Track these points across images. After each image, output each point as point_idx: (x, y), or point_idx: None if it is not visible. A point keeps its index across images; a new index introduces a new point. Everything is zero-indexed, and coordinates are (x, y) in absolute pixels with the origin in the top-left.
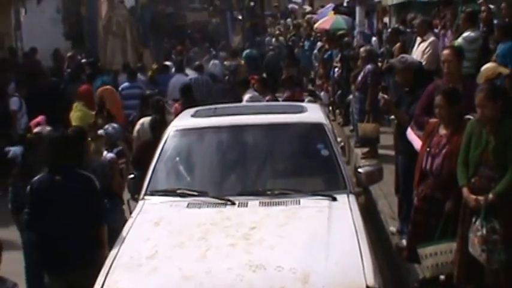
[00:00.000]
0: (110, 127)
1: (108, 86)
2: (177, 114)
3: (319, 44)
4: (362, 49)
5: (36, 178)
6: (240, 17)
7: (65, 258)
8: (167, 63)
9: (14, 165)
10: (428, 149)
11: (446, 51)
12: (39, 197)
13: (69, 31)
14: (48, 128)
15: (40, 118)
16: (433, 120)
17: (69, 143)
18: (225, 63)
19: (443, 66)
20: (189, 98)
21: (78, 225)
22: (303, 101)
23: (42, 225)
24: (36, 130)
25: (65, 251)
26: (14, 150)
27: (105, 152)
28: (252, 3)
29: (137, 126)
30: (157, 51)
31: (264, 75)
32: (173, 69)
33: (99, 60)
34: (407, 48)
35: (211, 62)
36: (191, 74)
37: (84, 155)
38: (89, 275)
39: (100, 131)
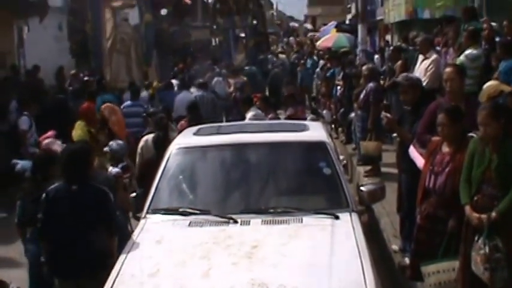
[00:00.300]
0: (115, 143)
1: (109, 104)
2: (181, 131)
3: (321, 62)
4: (364, 67)
5: (52, 187)
6: (242, 35)
7: (75, 264)
8: (173, 81)
9: (22, 180)
10: (431, 167)
11: (448, 69)
12: (54, 205)
13: (74, 48)
14: (58, 142)
15: (50, 133)
16: (435, 138)
17: (84, 156)
18: (230, 80)
19: (446, 85)
20: (196, 115)
21: (90, 234)
22: (305, 119)
23: (55, 232)
24: (44, 143)
25: (76, 257)
26: (23, 164)
27: (110, 168)
28: (254, 22)
29: (141, 143)
30: (162, 69)
31: (267, 93)
32: (176, 87)
33: (104, 78)
34: (409, 66)
35: (215, 79)
36: (195, 91)
37: (90, 169)
38: (98, 282)
39: (105, 148)
